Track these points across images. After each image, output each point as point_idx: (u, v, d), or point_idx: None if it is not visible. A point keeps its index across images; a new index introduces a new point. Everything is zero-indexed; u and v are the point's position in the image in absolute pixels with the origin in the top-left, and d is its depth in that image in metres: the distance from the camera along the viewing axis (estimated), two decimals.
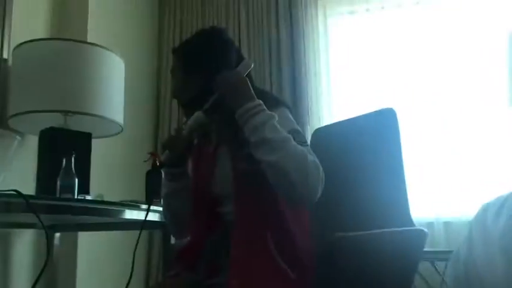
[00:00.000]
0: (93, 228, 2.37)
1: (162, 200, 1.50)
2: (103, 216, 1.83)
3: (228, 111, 1.23)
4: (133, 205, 1.92)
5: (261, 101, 1.20)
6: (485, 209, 1.75)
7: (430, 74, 2.93)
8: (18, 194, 1.24)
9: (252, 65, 1.35)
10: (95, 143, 2.15)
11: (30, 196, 1.33)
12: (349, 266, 1.29)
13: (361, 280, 1.29)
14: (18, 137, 1.70)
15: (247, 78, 1.25)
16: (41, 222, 1.17)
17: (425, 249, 1.48)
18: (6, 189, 1.29)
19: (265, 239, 1.22)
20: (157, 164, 1.42)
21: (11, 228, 2.26)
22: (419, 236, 1.51)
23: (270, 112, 1.19)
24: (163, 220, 2.03)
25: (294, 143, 1.16)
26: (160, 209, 1.99)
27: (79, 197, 1.73)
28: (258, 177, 1.19)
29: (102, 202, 1.85)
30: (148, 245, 3.03)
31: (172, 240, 2.09)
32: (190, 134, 1.37)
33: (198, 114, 1.33)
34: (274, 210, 1.25)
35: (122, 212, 1.84)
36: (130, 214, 1.89)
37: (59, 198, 1.67)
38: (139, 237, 1.38)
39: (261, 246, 1.22)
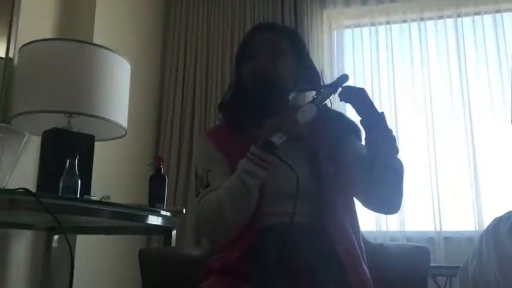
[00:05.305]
0: (93, 231, 2.33)
1: (234, 199, 1.22)
2: (118, 219, 1.76)
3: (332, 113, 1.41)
4: (147, 209, 1.89)
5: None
6: (497, 224, 1.73)
7: (433, 87, 2.95)
8: (27, 191, 1.21)
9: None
10: (98, 146, 2.12)
11: (40, 195, 1.29)
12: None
13: None
14: (27, 133, 1.66)
15: None
16: (57, 220, 1.14)
17: None
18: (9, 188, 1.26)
19: (352, 238, 1.30)
20: (266, 143, 1.16)
21: (9, 228, 2.22)
22: (423, 252, 1.52)
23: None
24: (168, 225, 2.01)
25: None
26: (167, 213, 1.98)
27: (90, 198, 1.68)
28: (342, 179, 1.33)
29: (117, 205, 1.76)
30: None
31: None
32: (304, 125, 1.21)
33: (313, 108, 1.25)
34: (353, 211, 1.37)
35: (145, 216, 1.81)
36: (152, 219, 1.86)
37: (74, 199, 1.62)
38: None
39: (353, 243, 1.30)
